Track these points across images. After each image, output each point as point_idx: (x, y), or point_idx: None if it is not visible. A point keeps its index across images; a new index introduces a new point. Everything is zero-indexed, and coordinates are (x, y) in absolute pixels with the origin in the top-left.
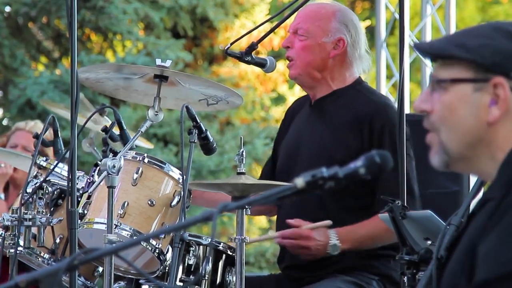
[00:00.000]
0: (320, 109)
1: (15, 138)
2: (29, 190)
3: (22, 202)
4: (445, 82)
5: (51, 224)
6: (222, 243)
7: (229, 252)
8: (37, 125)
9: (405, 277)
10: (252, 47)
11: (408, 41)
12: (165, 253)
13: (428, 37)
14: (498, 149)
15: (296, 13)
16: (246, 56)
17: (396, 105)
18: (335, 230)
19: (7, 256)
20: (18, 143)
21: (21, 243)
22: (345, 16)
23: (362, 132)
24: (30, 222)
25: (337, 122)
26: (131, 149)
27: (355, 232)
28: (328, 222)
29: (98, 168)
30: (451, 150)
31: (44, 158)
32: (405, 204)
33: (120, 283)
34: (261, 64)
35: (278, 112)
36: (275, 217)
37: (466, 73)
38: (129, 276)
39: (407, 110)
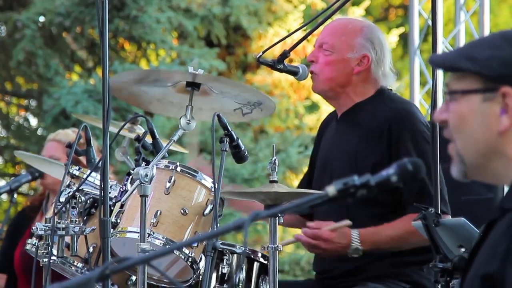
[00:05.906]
0: (346, 122)
1: (44, 150)
2: (62, 199)
3: (55, 211)
4: (456, 93)
5: (84, 233)
6: (257, 252)
7: (262, 260)
8: (66, 134)
9: (439, 285)
10: (285, 55)
11: (441, 47)
12: (198, 261)
13: (462, 44)
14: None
15: (322, 26)
16: (279, 64)
17: (429, 110)
18: (357, 231)
19: (41, 265)
20: (45, 154)
21: (55, 252)
22: (371, 33)
23: (382, 142)
24: (64, 232)
25: (362, 133)
26: (163, 158)
27: (378, 234)
28: (348, 222)
29: (130, 177)
30: (466, 159)
31: (77, 167)
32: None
33: None
34: (293, 72)
35: (312, 120)
36: None
37: (475, 84)
38: (163, 285)
39: None
